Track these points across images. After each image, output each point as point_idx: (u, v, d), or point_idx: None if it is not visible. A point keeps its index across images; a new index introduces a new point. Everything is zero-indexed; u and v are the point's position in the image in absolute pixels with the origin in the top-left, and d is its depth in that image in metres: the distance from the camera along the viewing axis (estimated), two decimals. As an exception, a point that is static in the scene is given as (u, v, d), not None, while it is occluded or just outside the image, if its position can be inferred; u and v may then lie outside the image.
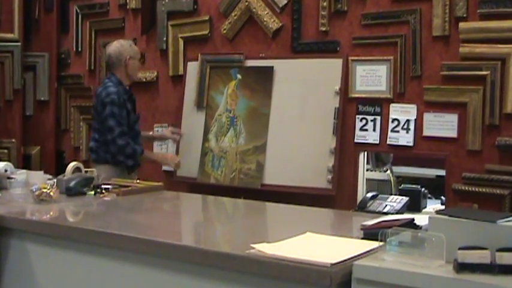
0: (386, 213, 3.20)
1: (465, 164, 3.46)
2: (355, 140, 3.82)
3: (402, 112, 3.67)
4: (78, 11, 5.12)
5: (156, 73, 4.66)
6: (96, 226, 2.50)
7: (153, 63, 4.70)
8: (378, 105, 3.76)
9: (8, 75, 5.05)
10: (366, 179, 3.91)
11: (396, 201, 3.47)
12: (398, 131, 3.67)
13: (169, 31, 4.57)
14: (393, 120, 3.69)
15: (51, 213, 2.79)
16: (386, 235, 1.93)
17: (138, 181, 3.59)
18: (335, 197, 3.78)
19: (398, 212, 3.31)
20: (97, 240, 2.38)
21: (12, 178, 3.32)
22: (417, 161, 4.26)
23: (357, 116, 3.82)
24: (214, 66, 4.35)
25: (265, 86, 4.11)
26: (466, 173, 3.46)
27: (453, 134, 3.50)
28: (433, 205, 3.72)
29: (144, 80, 4.68)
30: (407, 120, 3.64)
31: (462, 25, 3.47)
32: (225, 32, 4.32)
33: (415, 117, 3.63)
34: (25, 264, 2.59)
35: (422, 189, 3.64)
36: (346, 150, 3.82)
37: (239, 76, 4.24)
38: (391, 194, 3.77)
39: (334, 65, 3.86)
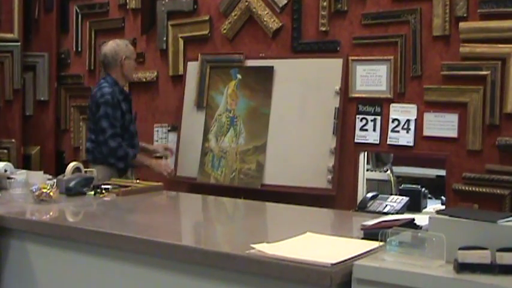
0: (386, 213, 3.20)
1: (465, 164, 3.46)
2: (355, 140, 3.82)
3: (402, 112, 3.67)
4: (78, 11, 5.12)
5: (156, 73, 4.66)
6: (96, 226, 2.50)
7: (153, 63, 4.70)
8: (378, 105, 3.76)
9: (8, 75, 5.05)
10: (366, 179, 3.91)
11: (396, 201, 3.47)
12: (398, 131, 3.67)
13: (169, 31, 4.57)
14: (393, 120, 3.69)
15: (51, 213, 2.79)
16: (387, 235, 1.93)
17: (138, 181, 3.59)
18: (335, 197, 3.78)
19: (398, 212, 3.31)
20: (97, 240, 2.38)
21: (12, 178, 3.32)
22: (417, 161, 4.26)
23: (357, 116, 3.81)
24: (214, 66, 4.35)
25: (265, 86, 4.11)
26: (467, 173, 3.45)
27: (453, 134, 3.50)
28: (434, 205, 3.71)
29: (144, 80, 4.69)
30: (408, 120, 3.64)
31: (462, 25, 3.47)
32: (225, 32, 4.31)
33: (415, 117, 3.62)
34: (25, 264, 2.59)
35: (423, 189, 3.64)
36: (346, 150, 3.82)
37: (239, 76, 4.24)
38: (391, 194, 3.76)
39: (334, 65, 3.86)
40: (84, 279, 2.44)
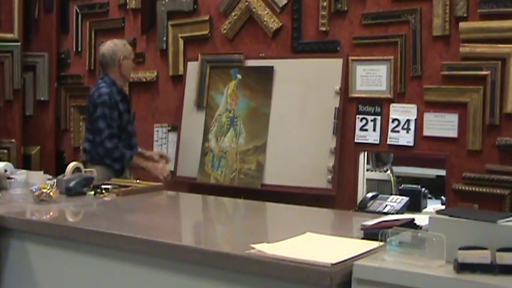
0: (386, 213, 3.20)
1: (465, 164, 3.46)
2: (355, 140, 3.82)
3: (402, 112, 3.67)
4: (78, 11, 5.12)
5: (156, 73, 4.66)
6: (96, 226, 2.50)
7: (153, 63, 4.70)
8: (378, 105, 3.76)
9: (8, 75, 5.05)
10: (366, 179, 3.91)
11: (396, 201, 3.47)
12: (398, 131, 3.67)
13: (169, 31, 4.57)
14: (393, 120, 3.69)
15: (51, 213, 2.79)
16: (387, 235, 1.93)
17: (138, 181, 3.58)
18: (335, 197, 3.78)
19: (398, 212, 3.31)
20: (97, 240, 2.38)
21: (12, 178, 3.31)
22: (417, 161, 4.26)
23: (357, 116, 3.81)
24: (214, 66, 4.35)
25: (265, 86, 4.11)
26: (467, 173, 3.45)
27: (453, 134, 3.50)
28: (434, 205, 3.72)
29: (144, 80, 4.69)
30: (408, 120, 3.64)
31: (462, 25, 3.47)
32: (225, 32, 4.31)
33: (415, 117, 3.62)
34: (25, 264, 2.59)
35: (423, 189, 3.64)
36: (346, 150, 3.82)
37: (239, 76, 4.24)
38: (391, 194, 3.76)
39: (334, 65, 3.86)
40: (84, 279, 2.44)
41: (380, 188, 4.02)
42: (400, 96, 3.69)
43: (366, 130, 3.79)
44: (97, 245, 2.38)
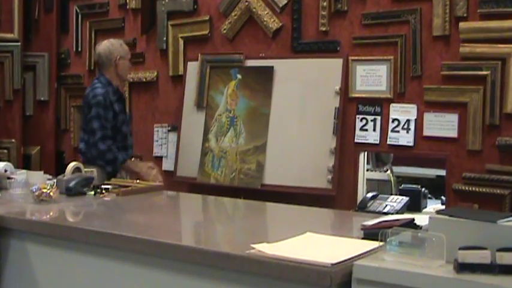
0: (386, 213, 3.20)
1: (465, 164, 3.46)
2: (355, 140, 3.82)
3: (402, 112, 3.67)
4: (78, 11, 5.12)
5: (156, 73, 4.66)
6: (96, 226, 2.50)
7: (153, 63, 4.70)
8: (378, 105, 3.76)
9: (8, 75, 5.05)
10: (366, 179, 3.90)
11: (396, 201, 3.47)
12: (398, 131, 3.67)
13: (169, 31, 4.57)
14: (393, 120, 3.69)
15: (51, 213, 2.79)
16: (387, 235, 1.93)
17: (138, 181, 3.58)
18: (335, 197, 3.78)
19: (398, 212, 3.31)
20: (97, 240, 2.38)
21: (12, 178, 3.32)
22: (417, 161, 4.26)
23: (357, 116, 3.81)
24: (214, 66, 4.35)
25: (265, 86, 4.11)
26: (467, 173, 3.45)
27: (453, 134, 3.50)
28: (434, 205, 3.72)
29: (144, 80, 4.69)
30: (408, 120, 3.64)
31: (462, 25, 3.47)
32: (225, 32, 4.31)
33: (415, 117, 3.62)
34: (25, 264, 2.59)
35: (423, 189, 3.64)
36: (346, 150, 3.82)
37: (239, 76, 4.24)
38: (391, 194, 3.76)
39: (334, 65, 3.86)
40: (84, 279, 2.44)
41: (380, 188, 4.02)
42: (400, 96, 3.69)
43: (366, 130, 3.78)
44: (97, 245, 2.38)
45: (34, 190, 2.93)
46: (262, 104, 4.11)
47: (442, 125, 3.53)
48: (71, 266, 2.48)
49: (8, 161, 4.05)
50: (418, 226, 2.19)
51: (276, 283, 1.93)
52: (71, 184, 3.15)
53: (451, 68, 3.51)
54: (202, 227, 2.82)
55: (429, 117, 3.57)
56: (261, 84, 4.13)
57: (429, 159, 3.90)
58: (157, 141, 4.65)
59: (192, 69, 4.44)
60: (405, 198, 3.48)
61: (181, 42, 4.54)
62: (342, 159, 3.80)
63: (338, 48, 3.89)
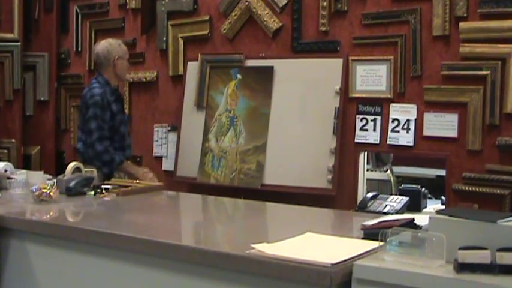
0: (386, 213, 3.20)
1: (465, 164, 3.46)
2: (355, 140, 3.82)
3: (402, 112, 3.67)
4: (78, 11, 5.12)
5: (156, 73, 4.66)
6: (96, 226, 2.50)
7: (153, 63, 4.70)
8: (378, 105, 3.76)
9: (8, 75, 5.04)
10: (366, 179, 3.90)
11: (396, 201, 3.47)
12: (398, 131, 3.67)
13: (169, 31, 4.57)
14: (393, 120, 3.69)
15: (51, 213, 2.79)
16: (387, 235, 1.93)
17: (138, 181, 3.58)
18: (335, 197, 3.78)
19: (398, 212, 3.31)
20: (97, 240, 2.38)
21: (12, 178, 3.32)
22: (417, 161, 4.26)
23: (357, 116, 3.81)
24: (214, 66, 4.35)
25: (265, 86, 4.11)
26: (467, 173, 3.45)
27: (453, 134, 3.50)
28: (434, 205, 3.72)
29: (144, 80, 4.69)
30: (408, 120, 3.64)
31: (462, 25, 3.47)
32: (225, 32, 4.31)
33: (415, 117, 3.62)
34: (25, 264, 2.59)
35: (423, 189, 3.64)
36: (346, 150, 3.82)
37: (239, 76, 4.24)
38: (391, 194, 3.76)
39: (334, 65, 3.86)
40: (84, 279, 2.44)
41: (380, 188, 4.02)
42: (400, 96, 3.69)
43: (366, 130, 3.78)
44: (97, 245, 2.38)
45: (34, 190, 2.92)
46: (262, 104, 4.11)
47: (442, 125, 3.53)
48: (71, 266, 2.48)
49: (8, 161, 4.05)
50: (418, 226, 2.19)
51: (276, 283, 1.93)
52: (71, 184, 3.15)
53: (451, 68, 3.51)
54: (202, 227, 2.82)
55: (429, 117, 3.57)
56: (261, 84, 4.13)
57: (429, 159, 3.90)
58: (157, 141, 4.65)
59: (192, 69, 4.44)
60: (405, 198, 3.48)
61: (181, 42, 4.54)
62: (342, 159, 3.80)
63: (338, 48, 3.89)
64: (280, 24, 4.10)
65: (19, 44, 5.03)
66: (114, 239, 2.33)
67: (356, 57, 3.82)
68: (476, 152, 3.43)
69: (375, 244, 1.98)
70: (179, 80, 4.54)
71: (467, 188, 3.44)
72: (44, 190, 2.91)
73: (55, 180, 3.20)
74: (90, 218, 2.88)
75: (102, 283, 2.39)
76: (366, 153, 3.91)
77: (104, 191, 3.18)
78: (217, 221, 3.04)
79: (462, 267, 1.74)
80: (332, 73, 3.86)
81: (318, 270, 1.83)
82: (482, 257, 1.74)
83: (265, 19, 4.13)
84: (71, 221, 2.81)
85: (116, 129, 3.90)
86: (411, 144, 3.63)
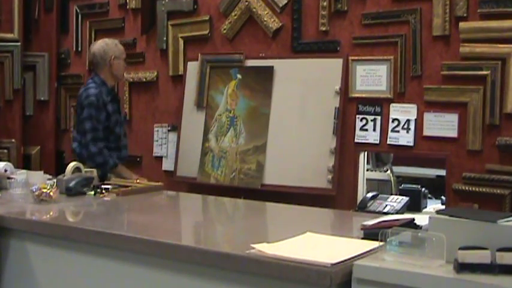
0: (386, 213, 3.20)
1: (465, 164, 3.46)
2: (355, 140, 3.82)
3: (402, 112, 3.67)
4: (78, 11, 5.12)
5: (156, 73, 4.66)
6: (96, 226, 2.50)
7: (153, 63, 4.70)
8: (378, 105, 3.76)
9: (8, 75, 5.04)
10: (366, 179, 3.90)
11: (396, 201, 3.47)
12: (398, 131, 3.67)
13: (169, 31, 4.57)
14: (393, 120, 3.69)
15: (51, 213, 2.79)
16: (387, 235, 1.93)
17: (138, 181, 3.58)
18: (335, 197, 3.77)
19: (398, 212, 3.31)
20: (97, 240, 2.38)
21: (12, 178, 3.32)
22: (417, 161, 4.26)
23: (357, 116, 3.81)
24: (214, 66, 4.35)
25: (265, 86, 4.11)
26: (467, 173, 3.45)
27: (453, 133, 3.50)
28: (434, 205, 3.72)
29: (144, 80, 4.69)
30: (408, 120, 3.64)
31: (462, 25, 3.47)
32: (225, 32, 4.31)
33: (415, 117, 3.62)
34: (25, 264, 2.59)
35: (423, 189, 3.64)
36: (346, 150, 3.82)
37: (239, 76, 4.24)
38: (391, 194, 3.77)
39: (334, 65, 3.86)
40: (84, 279, 2.44)
41: (380, 188, 4.02)
42: (400, 96, 3.69)
43: (366, 130, 3.78)
44: (97, 245, 2.38)
45: (34, 190, 2.93)
46: (262, 104, 4.11)
47: (442, 125, 3.53)
48: (71, 266, 2.48)
49: (8, 161, 4.05)
50: (418, 226, 2.19)
51: (276, 283, 1.93)
52: (71, 184, 3.15)
53: (451, 68, 3.51)
54: (202, 227, 2.82)
55: (429, 117, 3.57)
56: (261, 84, 4.13)
57: (429, 159, 3.90)
58: (157, 141, 4.65)
59: (192, 69, 4.44)
60: (405, 198, 3.48)
61: (181, 42, 4.54)
62: (342, 159, 3.80)
63: (338, 48, 3.89)
64: (280, 24, 4.10)
65: (19, 44, 5.03)
66: (114, 239, 2.33)
67: (356, 57, 3.82)
68: (476, 152, 3.43)
69: (375, 244, 1.98)
70: (179, 80, 4.54)
71: (467, 188, 3.44)
72: (44, 190, 2.91)
73: (55, 180, 3.20)
74: (90, 218, 2.89)
75: (102, 283, 2.39)
76: (366, 153, 3.91)
77: (104, 191, 3.18)
78: (217, 221, 3.04)
79: (462, 267, 1.74)
80: (332, 73, 3.86)
81: (317, 270, 1.83)
82: (482, 257, 1.74)
83: (265, 19, 4.13)
84: (71, 221, 2.81)
85: (111, 130, 3.88)
86: (411, 144, 3.63)
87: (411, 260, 1.83)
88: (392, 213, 3.20)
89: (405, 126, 3.64)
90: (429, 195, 3.77)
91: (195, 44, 4.48)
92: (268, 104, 4.08)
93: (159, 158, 4.62)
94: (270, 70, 4.10)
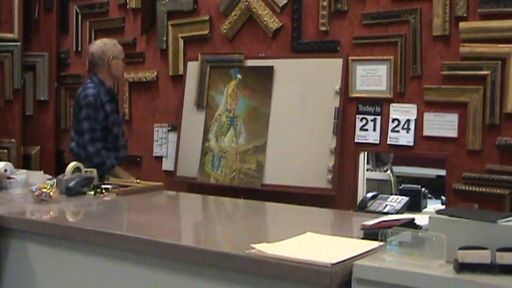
0: (386, 213, 3.20)
1: (465, 164, 3.46)
2: (355, 140, 3.82)
3: (402, 112, 3.67)
4: (78, 10, 5.12)
5: (156, 73, 4.66)
6: (96, 226, 2.50)
7: (153, 63, 4.70)
8: (378, 105, 3.76)
9: (8, 75, 5.04)
10: (366, 179, 3.90)
11: (396, 201, 3.47)
12: (398, 131, 3.67)
13: (169, 31, 4.57)
14: (393, 120, 3.69)
15: (51, 213, 2.79)
16: (387, 235, 1.93)
17: (138, 181, 3.58)
18: (335, 197, 3.77)
19: (398, 212, 3.31)
20: (97, 240, 2.38)
21: (12, 178, 3.32)
22: (417, 161, 4.26)
23: (357, 116, 3.81)
24: (214, 66, 4.35)
25: (265, 86, 4.11)
26: (467, 172, 3.45)
27: (453, 133, 3.50)
28: (434, 205, 3.71)
29: (144, 80, 4.69)
30: (408, 120, 3.64)
31: (462, 25, 3.47)
32: (225, 31, 4.31)
33: (415, 117, 3.62)
34: (25, 264, 2.59)
35: (423, 189, 3.64)
36: (346, 150, 3.82)
37: (239, 76, 4.24)
38: (391, 194, 3.76)
39: (334, 64, 3.86)
40: (84, 279, 2.45)
41: (380, 188, 4.02)
42: (400, 96, 3.69)
43: (366, 130, 3.78)
44: (97, 245, 2.38)
45: (34, 190, 2.93)
46: (262, 104, 4.11)
47: (442, 125, 3.53)
48: (71, 266, 2.48)
49: (8, 161, 4.05)
50: (418, 226, 2.19)
51: (276, 283, 1.93)
52: (71, 184, 3.15)
53: (451, 68, 3.51)
54: (202, 227, 2.82)
55: (429, 117, 3.57)
56: (261, 84, 4.13)
57: (429, 159, 3.90)
58: (157, 141, 4.65)
59: (192, 69, 4.44)
60: (405, 198, 3.48)
61: (181, 42, 4.54)
62: (342, 159, 3.80)
63: (338, 48, 3.89)
64: (280, 24, 4.10)
65: (19, 44, 5.03)
66: (114, 239, 2.33)
67: (356, 57, 3.82)
68: (476, 152, 3.43)
69: (375, 244, 1.98)
70: (179, 80, 4.54)
71: (467, 188, 3.44)
72: (44, 190, 2.91)
73: (55, 180, 3.20)
74: (90, 218, 2.88)
75: (102, 283, 2.39)
76: (366, 153, 3.91)
77: (103, 191, 3.18)
78: (217, 221, 3.04)
79: (462, 267, 1.74)
80: (332, 73, 3.86)
81: (317, 270, 1.83)
82: (482, 257, 1.74)
83: (265, 19, 4.13)
84: (71, 221, 2.81)
85: (109, 130, 3.88)
86: (411, 144, 3.63)
87: (411, 260, 1.83)
88: (392, 213, 3.20)
89: (405, 126, 3.64)
90: (429, 195, 3.77)
91: (195, 44, 4.48)
92: (268, 104, 4.08)
93: (159, 158, 4.62)
94: (270, 70, 4.10)
